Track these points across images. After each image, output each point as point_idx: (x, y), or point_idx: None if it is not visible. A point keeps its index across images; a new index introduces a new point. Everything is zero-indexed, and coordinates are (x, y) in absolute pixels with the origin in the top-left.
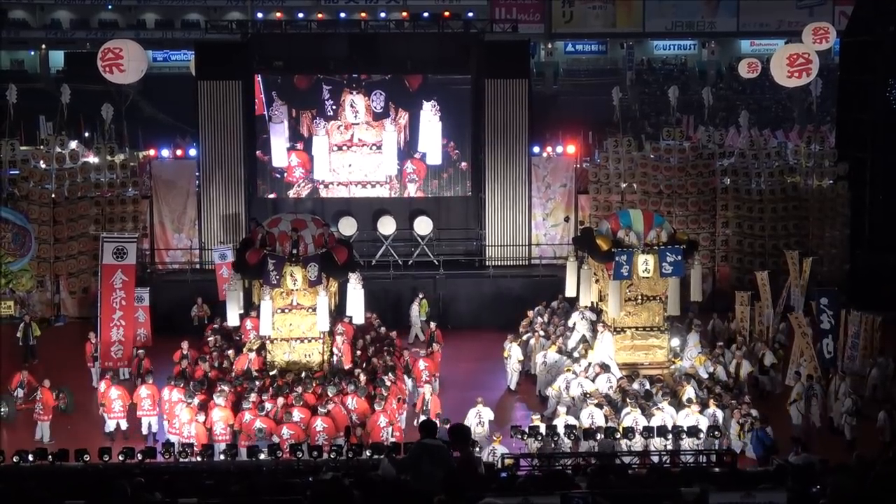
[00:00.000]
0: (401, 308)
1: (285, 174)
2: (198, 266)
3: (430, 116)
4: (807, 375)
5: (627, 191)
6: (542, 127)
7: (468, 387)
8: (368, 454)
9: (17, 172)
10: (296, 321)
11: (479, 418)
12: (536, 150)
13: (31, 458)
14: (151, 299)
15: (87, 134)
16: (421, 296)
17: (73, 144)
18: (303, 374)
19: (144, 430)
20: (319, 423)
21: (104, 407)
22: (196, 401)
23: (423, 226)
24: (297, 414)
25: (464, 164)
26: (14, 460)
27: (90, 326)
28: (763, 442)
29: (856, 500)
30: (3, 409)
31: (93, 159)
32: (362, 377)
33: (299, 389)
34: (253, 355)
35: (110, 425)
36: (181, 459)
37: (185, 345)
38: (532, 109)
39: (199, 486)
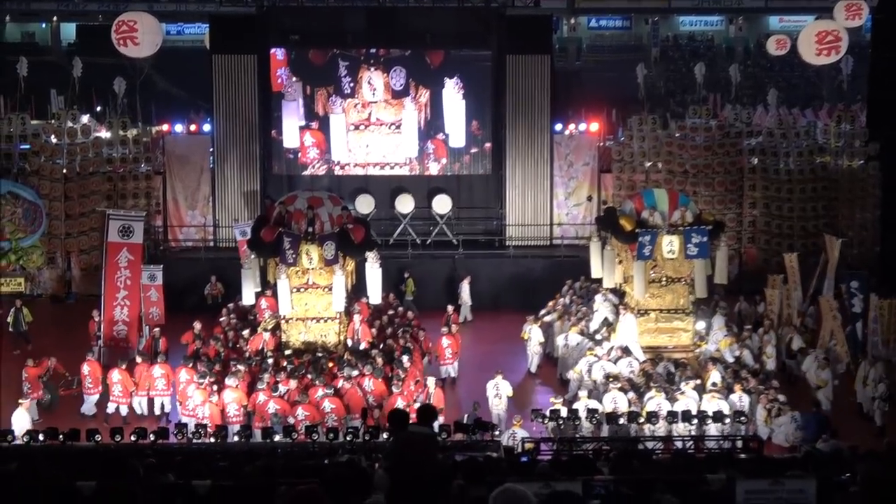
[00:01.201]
0: (424, 287)
1: (299, 154)
2: (212, 244)
3: (453, 95)
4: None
5: (652, 170)
6: (564, 104)
7: (487, 369)
8: (385, 436)
9: (27, 147)
10: (311, 301)
11: (496, 390)
12: (559, 127)
13: (41, 437)
14: (165, 277)
15: (99, 108)
16: (406, 275)
17: (85, 119)
18: (318, 355)
19: (157, 411)
20: (327, 404)
21: (83, 385)
22: (209, 381)
23: (442, 204)
24: (311, 395)
25: (487, 144)
26: (24, 440)
27: (96, 304)
28: (817, 422)
29: (887, 488)
30: (46, 397)
31: (105, 134)
32: (379, 359)
33: (321, 368)
34: (268, 335)
35: (89, 404)
36: (194, 441)
37: (197, 325)
38: (555, 86)
39: (213, 468)
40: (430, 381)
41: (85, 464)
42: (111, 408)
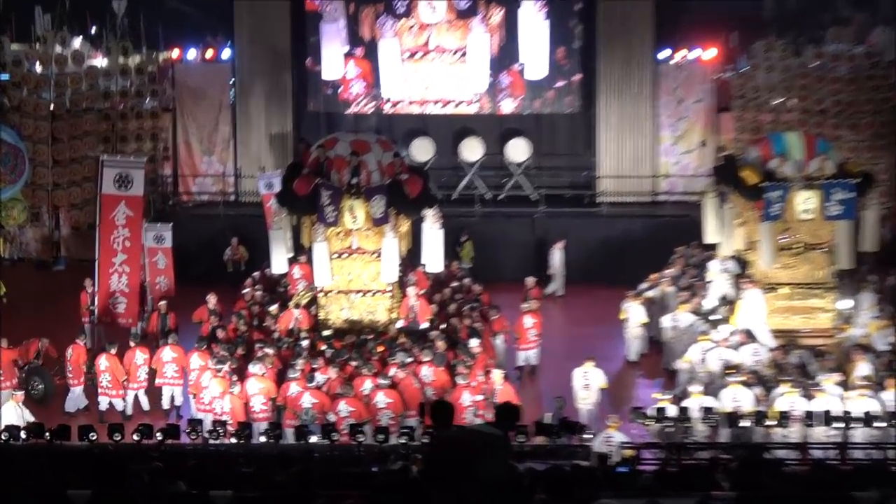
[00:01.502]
0: (493, 254)
1: (340, 88)
2: (233, 197)
3: (532, 15)
4: None
5: (782, 108)
6: (672, 26)
7: (575, 356)
8: (425, 435)
9: (6, 78)
10: (356, 269)
11: (585, 380)
12: (665, 55)
13: (23, 435)
14: (175, 239)
15: (94, 30)
16: (464, 237)
17: (77, 43)
18: (365, 337)
19: (166, 404)
20: (381, 398)
21: (70, 376)
22: (229, 368)
23: (518, 150)
24: (356, 386)
25: (575, 76)
26: (2, 438)
27: (90, 271)
28: None
29: None
30: (38, 387)
31: (101, 62)
32: (440, 342)
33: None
34: (298, 311)
35: (73, 398)
36: (211, 441)
37: (212, 298)
38: (659, 4)
39: (235, 475)
40: (497, 373)
41: (77, 468)
42: (103, 403)
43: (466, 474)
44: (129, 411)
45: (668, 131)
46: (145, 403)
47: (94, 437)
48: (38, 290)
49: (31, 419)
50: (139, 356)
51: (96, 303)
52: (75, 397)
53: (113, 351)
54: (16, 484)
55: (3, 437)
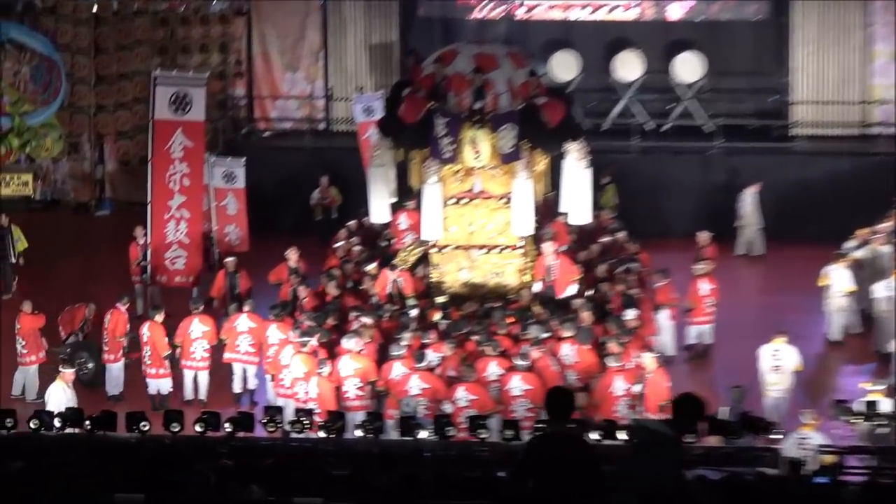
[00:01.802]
0: (655, 200)
1: None
2: (323, 125)
3: None
4: None
5: None
6: None
7: (757, 335)
8: (597, 437)
9: None
10: (479, 219)
11: (775, 360)
12: None
13: (57, 423)
14: (249, 177)
15: None
16: (607, 178)
17: None
18: (490, 306)
19: (237, 387)
20: (517, 384)
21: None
22: (317, 344)
23: (688, 68)
24: (479, 368)
25: None
26: (31, 426)
27: (142, 217)
28: None
29: None
30: (87, 365)
31: None
32: (585, 313)
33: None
34: (395, 275)
35: (112, 377)
36: (294, 434)
37: (293, 254)
38: None
39: (323, 478)
40: (647, 357)
41: (126, 465)
42: (151, 386)
43: (564, 487)
44: (189, 395)
45: (884, 45)
46: (204, 387)
47: (147, 428)
48: (75, 241)
49: (73, 402)
50: (196, 327)
51: (148, 257)
52: (113, 377)
53: (158, 318)
54: (49, 485)
55: (32, 426)
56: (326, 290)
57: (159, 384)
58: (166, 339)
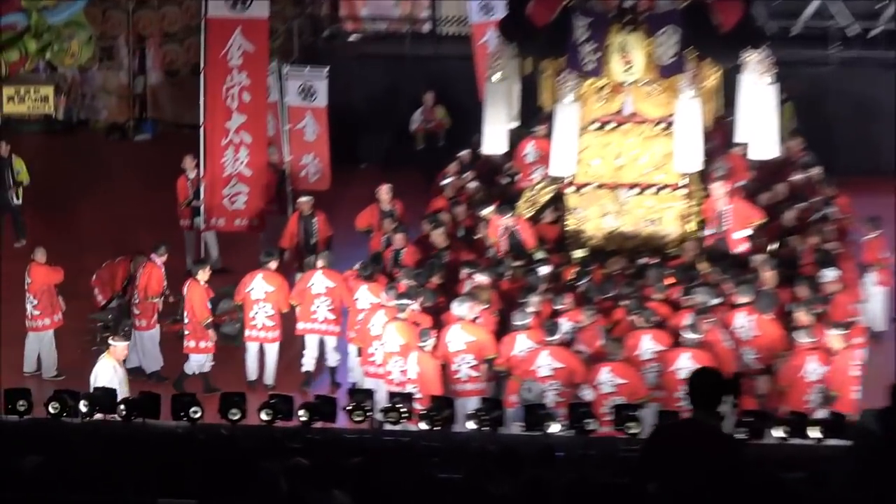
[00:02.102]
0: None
1: None
2: (427, 27)
3: None
4: None
5: None
6: None
7: None
8: (782, 435)
9: None
10: (630, 150)
11: None
12: None
13: (83, 407)
14: (331, 93)
15: None
16: (784, 96)
17: None
18: (644, 262)
19: (310, 364)
20: (685, 363)
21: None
22: (418, 309)
23: None
24: (630, 343)
25: None
26: (51, 410)
27: (193, 143)
28: None
29: None
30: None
31: None
32: (769, 273)
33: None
34: (509, 221)
35: (148, 357)
36: (388, 426)
37: (386, 193)
38: None
39: (426, 482)
40: (834, 334)
41: (171, 464)
42: (191, 365)
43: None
44: (252, 374)
45: None
46: (271, 364)
47: (198, 415)
48: (107, 174)
49: (125, 385)
50: (259, 285)
51: (201, 195)
52: (147, 349)
53: (201, 276)
54: (73, 487)
55: (51, 410)
56: (431, 239)
57: (198, 361)
58: (210, 302)
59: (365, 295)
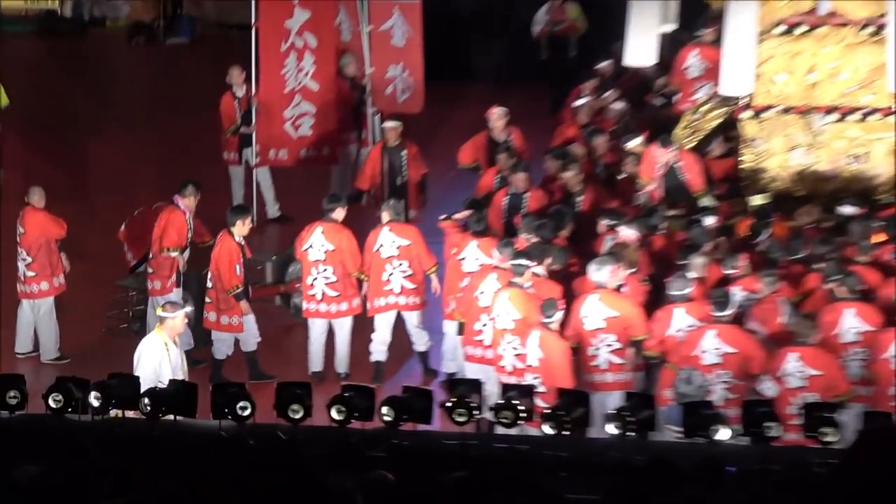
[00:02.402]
0: None
1: None
2: None
3: None
4: None
5: None
6: None
7: None
8: None
9: None
10: (827, 62)
11: None
12: None
13: (95, 401)
14: None
15: None
16: None
17: None
18: (843, 211)
19: (377, 350)
20: None
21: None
22: (541, 272)
23: None
24: (829, 322)
25: None
26: (52, 404)
27: (241, 49)
28: None
29: None
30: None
31: None
32: None
33: None
34: (671, 155)
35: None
36: (500, 429)
37: (499, 119)
38: None
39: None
40: None
41: (212, 479)
42: (219, 347)
43: None
44: (317, 362)
45: None
46: (343, 348)
47: (248, 412)
48: (130, 88)
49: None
50: (317, 242)
51: (253, 118)
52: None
53: (238, 227)
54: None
55: (52, 404)
56: (559, 180)
57: (225, 342)
58: (240, 263)
59: (473, 253)
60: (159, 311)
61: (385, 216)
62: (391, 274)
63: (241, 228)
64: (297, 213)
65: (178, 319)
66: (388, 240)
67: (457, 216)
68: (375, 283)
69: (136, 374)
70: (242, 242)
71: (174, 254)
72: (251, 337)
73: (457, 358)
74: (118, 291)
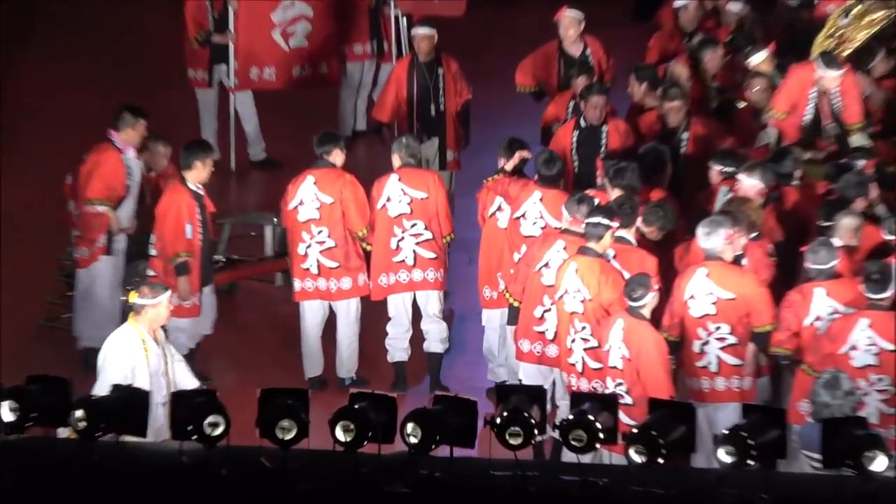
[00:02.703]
0: None
1: None
2: None
3: None
4: None
5: None
6: None
7: None
8: None
9: None
10: None
11: None
12: None
13: (9, 416)
14: None
15: None
16: None
17: None
18: None
19: (396, 346)
20: None
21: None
22: (628, 237)
23: None
24: None
25: None
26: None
27: None
28: None
29: None
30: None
31: None
32: None
33: None
34: (821, 71)
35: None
36: (570, 455)
37: (570, 22)
38: None
39: None
40: None
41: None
42: (176, 337)
43: None
44: (316, 368)
45: None
46: (347, 346)
47: (220, 430)
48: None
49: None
50: (308, 197)
51: (230, 23)
52: (96, 300)
53: (194, 171)
54: None
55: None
56: (655, 109)
57: (182, 329)
58: (193, 222)
59: (535, 210)
60: (134, 297)
61: (396, 159)
62: (401, 239)
63: (200, 173)
64: (290, 158)
65: (160, 307)
66: (397, 192)
67: (512, 161)
68: (381, 253)
69: (100, 382)
70: (201, 192)
71: (101, 208)
72: (201, 327)
73: (506, 358)
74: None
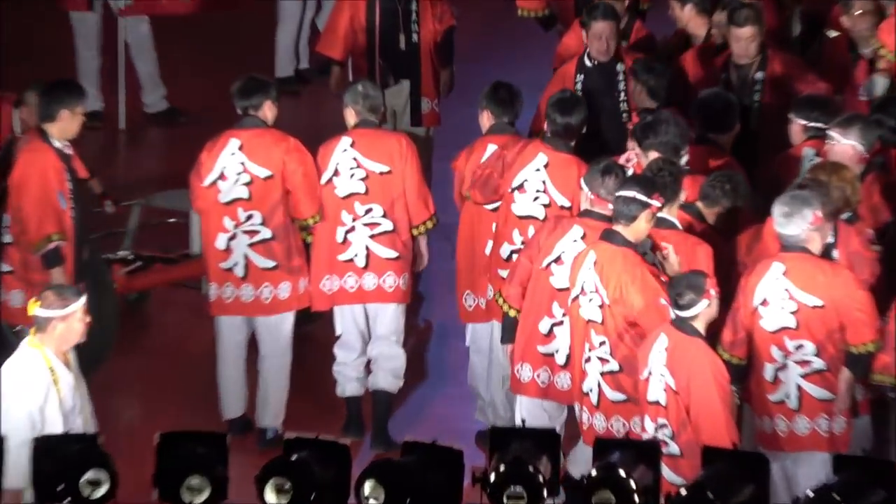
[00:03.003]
0: None
1: None
2: None
3: None
4: None
5: None
6: None
7: None
8: None
9: None
10: None
11: None
12: None
13: None
14: None
15: None
16: None
17: None
18: None
19: (346, 374)
20: None
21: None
22: (671, 218)
23: None
24: None
25: None
26: None
27: None
28: None
29: None
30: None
31: None
32: None
33: None
34: None
35: None
36: None
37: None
38: None
39: None
40: None
41: None
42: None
43: None
44: (236, 408)
45: None
46: (278, 373)
47: (102, 493)
48: None
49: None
50: (231, 168)
51: None
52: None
53: (58, 124)
54: None
55: None
56: (708, 40)
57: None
58: (63, 191)
59: (538, 179)
60: (34, 308)
61: (349, 115)
62: (350, 230)
63: (67, 125)
64: (205, 110)
65: (72, 320)
66: (349, 163)
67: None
68: (324, 247)
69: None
70: (69, 153)
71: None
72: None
73: (499, 391)
74: None
